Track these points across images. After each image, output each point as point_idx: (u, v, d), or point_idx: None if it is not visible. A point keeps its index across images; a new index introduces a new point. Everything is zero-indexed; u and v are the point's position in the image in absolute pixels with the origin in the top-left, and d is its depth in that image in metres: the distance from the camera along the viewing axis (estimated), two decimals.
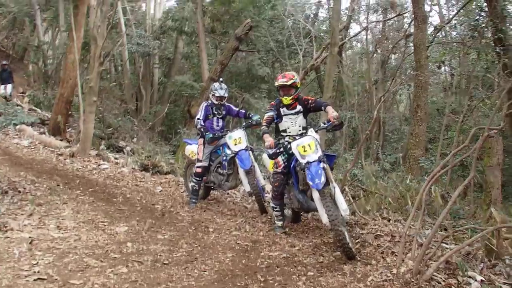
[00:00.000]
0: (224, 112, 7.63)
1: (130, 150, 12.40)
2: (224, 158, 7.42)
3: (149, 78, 21.15)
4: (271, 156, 5.98)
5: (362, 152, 12.46)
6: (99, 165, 10.25)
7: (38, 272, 4.14)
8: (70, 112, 14.36)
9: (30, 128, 12.94)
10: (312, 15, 22.51)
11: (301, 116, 6.15)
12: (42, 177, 8.33)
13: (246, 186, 7.11)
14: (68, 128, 14.04)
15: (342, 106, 20.40)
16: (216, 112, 7.55)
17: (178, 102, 21.99)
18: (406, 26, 18.29)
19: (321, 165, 5.43)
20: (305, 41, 17.15)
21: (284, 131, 6.23)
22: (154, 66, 21.37)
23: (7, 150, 10.89)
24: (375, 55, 20.52)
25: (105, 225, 5.90)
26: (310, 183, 5.37)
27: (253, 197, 7.51)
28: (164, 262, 4.77)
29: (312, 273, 4.70)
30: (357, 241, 5.68)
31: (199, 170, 7.49)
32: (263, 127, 6.11)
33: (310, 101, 6.09)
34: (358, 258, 5.14)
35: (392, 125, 20.37)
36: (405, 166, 10.97)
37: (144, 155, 11.59)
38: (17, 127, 12.32)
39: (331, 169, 5.93)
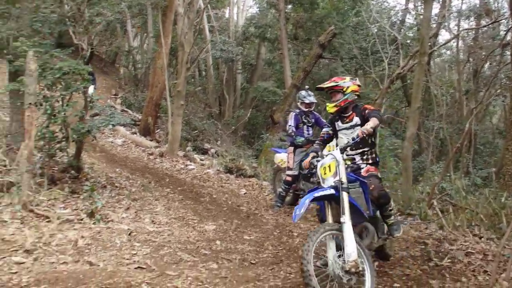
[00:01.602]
0: (312, 120, 7.67)
1: (215, 153, 12.77)
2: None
3: (232, 83, 21.64)
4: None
5: (451, 165, 11.94)
6: (186, 166, 10.69)
7: (138, 261, 4.45)
8: (158, 114, 15.06)
9: (123, 128, 13.74)
10: (398, 22, 21.94)
11: (358, 130, 4.73)
12: (135, 174, 8.85)
13: None
14: (157, 129, 14.74)
15: (429, 116, 19.67)
16: (305, 120, 7.59)
17: (260, 108, 22.30)
18: (502, 33, 17.31)
19: (317, 194, 4.24)
20: (391, 49, 16.75)
21: None
22: (237, 71, 21.83)
23: (103, 148, 11.63)
24: (466, 64, 19.60)
25: (194, 223, 6.17)
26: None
27: None
28: (252, 261, 4.92)
29: (398, 285, 4.61)
30: (446, 257, 5.49)
31: (289, 178, 7.48)
32: (315, 144, 5.27)
33: (366, 111, 4.88)
34: (447, 275, 4.97)
35: (484, 137, 19.26)
36: (498, 182, 10.33)
37: (228, 157, 11.90)
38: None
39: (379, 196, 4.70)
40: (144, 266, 4.34)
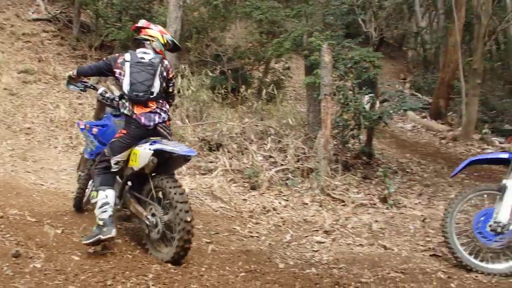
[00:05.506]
0: None
1: None
2: None
3: None
4: None
5: None
6: (483, 150, 9.80)
7: (433, 249, 4.34)
8: (450, 96, 14.18)
9: (411, 112, 13.44)
10: None
11: None
12: (426, 159, 8.60)
13: None
14: (448, 112, 13.93)
15: None
16: None
17: None
18: None
19: None
20: None
21: None
22: None
23: (393, 133, 11.65)
24: None
25: None
26: None
27: None
28: None
29: None
30: None
31: None
32: None
33: None
34: None
35: None
36: None
37: None
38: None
39: None
40: (439, 254, 4.19)
